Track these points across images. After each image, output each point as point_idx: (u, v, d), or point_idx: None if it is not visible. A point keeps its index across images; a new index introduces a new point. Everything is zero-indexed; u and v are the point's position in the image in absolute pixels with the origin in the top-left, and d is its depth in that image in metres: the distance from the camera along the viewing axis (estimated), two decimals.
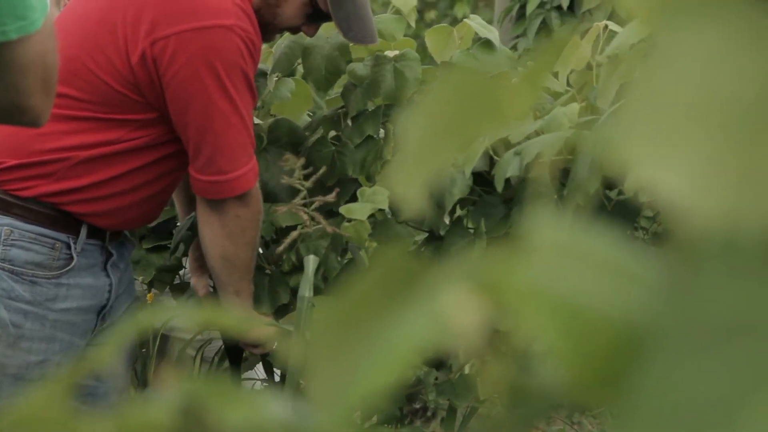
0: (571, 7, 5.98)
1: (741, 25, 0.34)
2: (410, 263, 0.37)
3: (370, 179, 2.53)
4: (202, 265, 2.59)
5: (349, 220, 2.37)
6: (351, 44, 2.57)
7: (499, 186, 2.12)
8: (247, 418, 0.37)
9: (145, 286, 2.82)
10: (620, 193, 2.10)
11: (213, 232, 2.28)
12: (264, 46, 2.49)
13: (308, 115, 2.74)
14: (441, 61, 2.50)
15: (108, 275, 2.30)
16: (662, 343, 0.36)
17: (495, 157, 2.21)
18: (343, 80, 2.60)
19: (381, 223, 2.41)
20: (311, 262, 2.16)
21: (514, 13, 6.21)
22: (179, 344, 2.80)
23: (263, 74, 2.58)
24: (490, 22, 2.69)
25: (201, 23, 2.09)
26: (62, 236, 2.20)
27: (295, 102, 2.64)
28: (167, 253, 2.68)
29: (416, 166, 0.38)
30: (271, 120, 2.62)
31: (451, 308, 0.36)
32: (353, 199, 2.40)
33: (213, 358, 2.77)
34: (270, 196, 2.56)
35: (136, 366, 2.64)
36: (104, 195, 2.20)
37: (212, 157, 2.18)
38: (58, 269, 2.20)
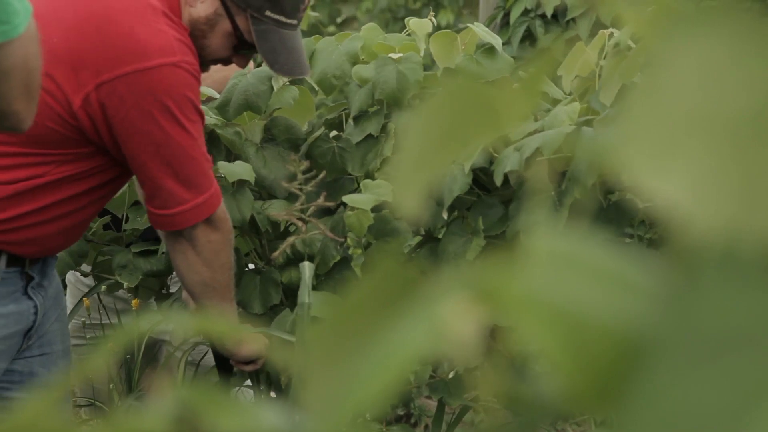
0: (556, 16, 5.98)
1: (740, 35, 0.34)
2: (407, 271, 0.37)
3: (370, 177, 2.53)
4: None
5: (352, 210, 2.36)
6: (360, 49, 2.58)
7: (498, 180, 2.12)
8: (242, 427, 0.36)
9: (130, 294, 2.80)
10: (612, 193, 2.10)
11: (187, 261, 2.27)
12: None
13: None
14: (444, 67, 2.51)
15: (30, 297, 2.25)
16: (661, 353, 0.35)
17: (494, 155, 2.21)
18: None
19: (379, 218, 2.41)
20: (307, 268, 2.16)
21: (498, 21, 6.22)
22: (167, 348, 2.79)
23: (268, 77, 2.57)
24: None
25: (147, 63, 2.06)
26: None
27: (297, 110, 2.64)
28: (154, 257, 2.67)
29: (415, 171, 0.37)
30: (267, 118, 2.62)
31: (449, 316, 0.36)
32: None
33: (198, 362, 2.76)
34: (267, 192, 2.56)
35: (121, 371, 2.62)
36: (26, 224, 2.15)
37: (173, 191, 2.16)
38: None
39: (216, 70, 2.43)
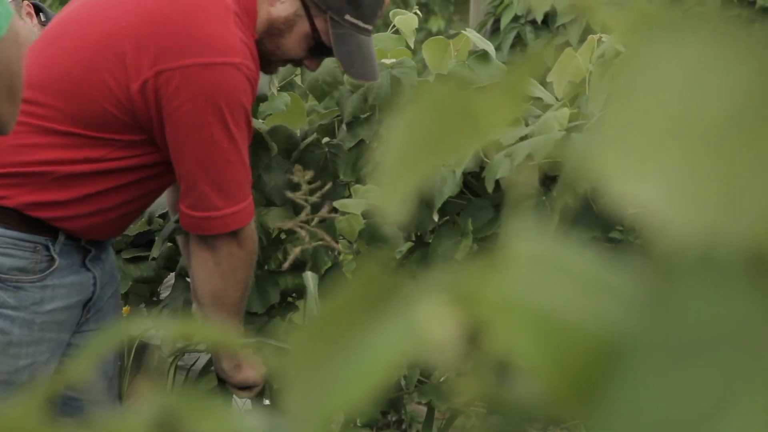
0: (546, 21, 5.99)
1: (718, 40, 0.34)
2: (388, 275, 0.37)
3: (362, 183, 2.54)
4: None
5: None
6: None
7: (490, 186, 2.13)
8: (223, 431, 0.37)
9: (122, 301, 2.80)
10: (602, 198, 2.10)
11: (205, 269, 2.27)
12: None
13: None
14: (436, 73, 2.51)
15: (89, 269, 2.29)
16: (639, 356, 0.36)
17: (485, 159, 2.21)
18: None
19: (369, 224, 2.41)
20: (311, 279, 2.16)
21: (488, 27, 6.23)
22: (157, 354, 2.79)
23: (264, 83, 2.57)
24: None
25: (209, 59, 2.08)
26: (41, 239, 2.19)
27: (289, 117, 2.64)
28: (145, 264, 2.66)
29: (397, 177, 0.38)
30: (268, 126, 2.62)
31: (428, 320, 0.36)
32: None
33: (190, 367, 2.76)
34: (266, 199, 2.57)
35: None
36: (81, 213, 2.19)
37: (206, 194, 2.17)
38: (41, 272, 2.20)
39: None
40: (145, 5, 2.12)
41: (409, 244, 2.54)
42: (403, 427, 2.75)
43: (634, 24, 0.35)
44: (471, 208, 2.29)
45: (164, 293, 2.82)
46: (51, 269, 2.21)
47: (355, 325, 0.37)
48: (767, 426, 0.33)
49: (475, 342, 0.37)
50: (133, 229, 2.63)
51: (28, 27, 2.77)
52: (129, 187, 2.22)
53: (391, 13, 2.71)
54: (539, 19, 5.96)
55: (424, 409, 2.56)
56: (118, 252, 2.67)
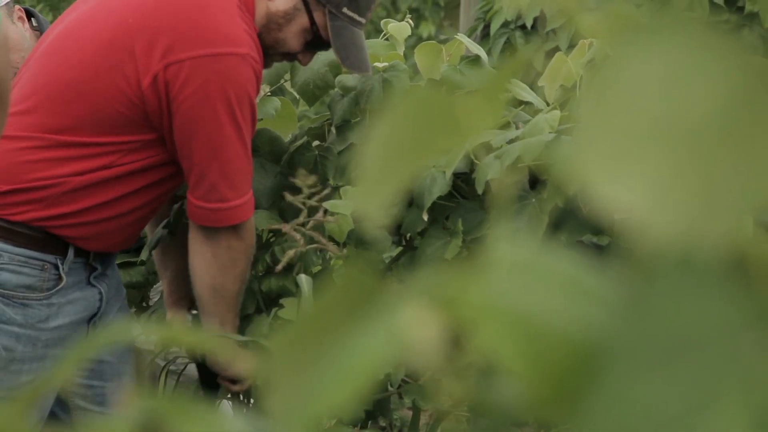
0: (535, 27, 6.00)
1: (698, 44, 0.35)
2: (372, 278, 0.37)
3: (350, 185, 2.54)
4: (179, 299, 2.59)
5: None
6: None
7: (480, 188, 2.13)
8: None
9: None
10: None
11: (204, 261, 2.28)
12: None
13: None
14: (428, 77, 2.52)
15: (94, 285, 2.29)
16: (618, 359, 0.36)
17: (475, 161, 2.21)
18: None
19: (358, 227, 2.41)
20: (305, 282, 2.16)
21: (478, 32, 6.24)
22: (149, 359, 2.78)
23: None
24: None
25: (217, 50, 2.10)
26: (50, 257, 2.19)
27: (279, 121, 2.64)
28: (134, 269, 2.66)
29: (379, 181, 0.38)
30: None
31: (410, 324, 0.36)
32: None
33: (181, 372, 2.75)
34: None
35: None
36: (94, 220, 2.19)
37: (216, 185, 2.18)
38: (48, 290, 2.20)
39: None
40: (151, 3, 2.13)
41: (399, 248, 2.54)
42: None
43: (616, 28, 0.35)
44: (460, 209, 2.29)
45: (154, 298, 2.81)
46: (58, 287, 2.21)
47: (338, 328, 0.37)
48: (745, 426, 0.33)
49: (458, 345, 0.37)
50: None
51: (20, 31, 2.76)
52: (139, 192, 2.22)
53: (383, 21, 2.73)
54: (529, 24, 5.97)
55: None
56: None
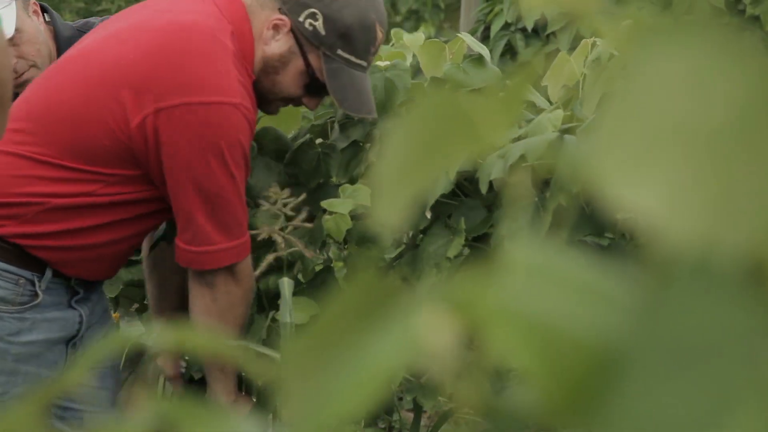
0: (536, 29, 5.99)
1: (716, 48, 0.34)
2: (384, 284, 0.37)
3: (353, 183, 2.53)
4: (163, 310, 2.58)
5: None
6: None
7: (483, 187, 2.13)
8: None
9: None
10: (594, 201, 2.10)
11: (204, 305, 2.28)
12: None
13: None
14: (431, 76, 2.51)
15: (75, 309, 2.28)
16: (636, 364, 0.36)
17: (479, 161, 2.21)
18: None
19: (358, 224, 2.41)
20: (287, 285, 2.16)
21: (478, 34, 6.23)
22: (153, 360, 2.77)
23: None
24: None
25: (210, 98, 2.10)
26: (26, 273, 2.19)
27: (283, 119, 2.64)
28: (135, 267, 2.65)
29: (395, 185, 0.38)
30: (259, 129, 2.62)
31: (425, 329, 0.36)
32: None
33: (184, 374, 2.74)
34: (253, 202, 2.56)
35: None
36: (69, 246, 2.19)
37: (203, 229, 2.18)
38: (21, 304, 2.19)
39: None
40: (146, 45, 2.13)
41: (399, 247, 2.53)
42: None
43: (630, 31, 0.35)
44: (463, 208, 2.29)
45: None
46: (32, 303, 2.19)
47: (351, 333, 0.37)
48: None
49: (472, 350, 0.37)
50: None
51: (35, 25, 2.78)
52: (119, 224, 2.22)
53: (393, 31, 2.73)
54: (530, 26, 5.97)
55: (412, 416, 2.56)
56: None
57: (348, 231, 2.40)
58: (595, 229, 2.09)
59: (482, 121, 0.36)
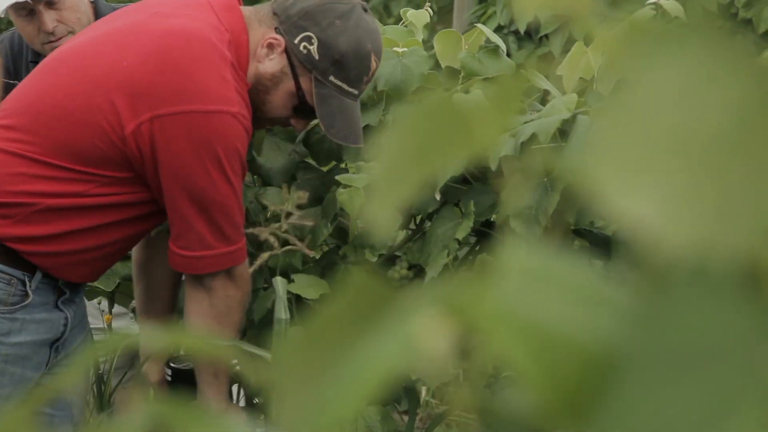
0: (529, 32, 5.97)
1: (712, 54, 0.34)
2: (380, 287, 0.37)
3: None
4: (149, 312, 2.57)
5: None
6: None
7: (493, 165, 2.12)
8: None
9: (105, 304, 2.77)
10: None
11: (201, 310, 2.27)
12: None
13: None
14: (446, 65, 2.51)
15: (61, 310, 2.27)
16: (633, 369, 0.36)
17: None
18: None
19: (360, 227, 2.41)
20: (280, 283, 2.16)
21: None
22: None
23: None
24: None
25: (208, 107, 2.09)
26: (18, 273, 2.18)
27: None
28: (131, 262, 2.65)
29: (389, 188, 0.38)
30: None
31: (421, 332, 0.36)
32: None
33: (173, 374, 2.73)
34: (262, 180, 2.57)
35: (95, 388, 2.59)
36: (61, 250, 2.18)
37: (201, 235, 2.17)
38: (13, 304, 2.18)
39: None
40: (144, 50, 2.11)
41: (405, 232, 2.54)
42: None
43: (625, 36, 0.35)
44: (472, 192, 2.29)
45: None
46: (23, 303, 2.19)
47: (348, 336, 0.37)
48: None
49: (469, 353, 0.37)
50: None
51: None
52: (111, 227, 2.20)
53: (402, 10, 2.72)
54: (522, 29, 5.95)
55: (404, 418, 2.56)
56: None
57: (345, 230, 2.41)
58: (600, 240, 2.09)
59: (475, 124, 0.36)
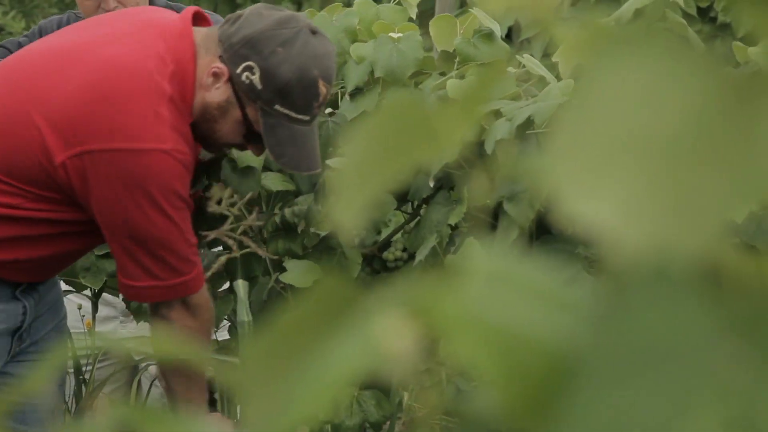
0: (510, 36, 5.96)
1: (671, 56, 0.34)
2: (345, 289, 0.37)
3: None
4: None
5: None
6: (357, 27, 2.57)
7: (489, 148, 2.12)
8: None
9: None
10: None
11: None
12: None
13: None
14: (442, 50, 2.51)
15: (19, 300, 2.27)
16: (593, 369, 0.36)
17: (485, 127, 2.21)
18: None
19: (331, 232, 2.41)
20: (241, 286, 2.16)
21: None
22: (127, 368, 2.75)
23: None
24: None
25: (139, 145, 2.06)
26: None
27: None
28: None
29: (354, 193, 0.38)
30: None
31: (385, 334, 0.36)
32: None
33: (153, 380, 2.72)
34: (266, 166, 2.57)
35: (72, 390, 2.59)
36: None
37: (146, 266, 2.15)
38: None
39: None
40: (83, 82, 2.08)
41: (398, 219, 2.54)
42: None
43: (590, 39, 0.35)
44: (467, 179, 2.29)
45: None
46: None
47: (313, 337, 0.37)
48: None
49: (432, 355, 0.37)
50: None
51: None
52: (46, 240, 2.19)
53: None
54: (503, 33, 5.94)
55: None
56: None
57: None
58: (564, 239, 2.09)
59: (442, 125, 0.37)
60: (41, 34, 2.97)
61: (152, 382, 2.65)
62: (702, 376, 0.35)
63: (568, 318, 0.36)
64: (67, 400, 2.54)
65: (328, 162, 2.35)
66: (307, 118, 2.21)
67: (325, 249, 2.51)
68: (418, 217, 2.43)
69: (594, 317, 0.36)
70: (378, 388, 2.32)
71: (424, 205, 2.42)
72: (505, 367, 0.36)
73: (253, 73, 2.16)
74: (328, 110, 2.63)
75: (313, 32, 2.20)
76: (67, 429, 0.36)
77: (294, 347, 0.37)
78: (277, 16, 2.19)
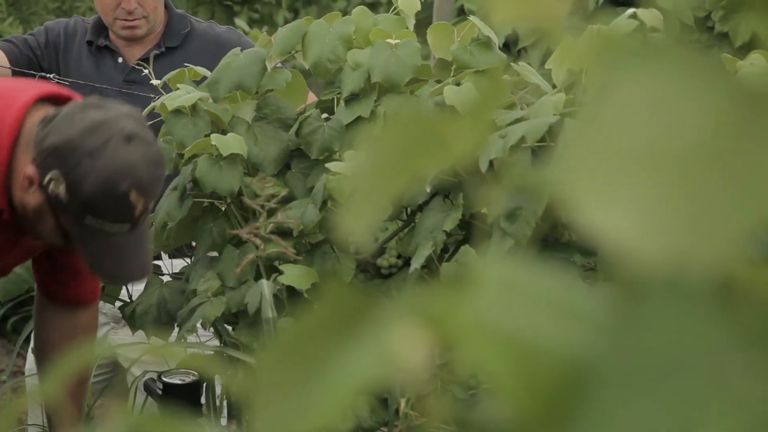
0: (507, 44, 5.96)
1: (685, 68, 0.34)
2: (358, 298, 0.37)
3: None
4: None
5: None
6: (353, 36, 2.57)
7: (483, 166, 2.13)
8: None
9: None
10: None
11: (68, 338, 2.29)
12: (263, 33, 2.48)
13: None
14: (439, 57, 2.51)
15: None
16: (608, 380, 0.36)
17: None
18: None
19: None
20: (266, 286, 2.16)
21: None
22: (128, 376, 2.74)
23: (261, 59, 2.57)
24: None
25: None
26: None
27: (289, 94, 2.63)
28: None
29: (364, 202, 0.38)
30: (259, 98, 2.62)
31: (398, 343, 0.36)
32: None
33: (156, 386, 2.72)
34: (256, 170, 2.56)
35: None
36: None
37: None
38: None
39: None
40: None
41: (393, 225, 2.54)
42: None
43: (599, 50, 0.35)
44: (462, 186, 2.29)
45: (135, 295, 2.74)
46: None
47: (325, 346, 0.37)
48: None
49: (445, 364, 0.37)
50: None
51: None
52: None
53: None
54: (500, 42, 5.94)
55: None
56: None
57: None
58: (577, 249, 2.09)
59: (451, 136, 0.37)
60: (47, 34, 2.99)
61: (135, 382, 2.64)
62: (716, 388, 0.35)
63: (582, 328, 0.36)
64: None
65: (328, 166, 2.36)
66: (125, 228, 2.05)
67: (318, 254, 2.51)
68: (413, 224, 2.43)
69: (609, 327, 0.36)
70: (374, 395, 2.32)
71: (418, 213, 2.42)
72: (519, 377, 0.36)
73: (59, 185, 2.01)
74: (324, 116, 2.63)
75: (129, 138, 2.01)
76: None
77: (307, 355, 0.37)
78: (89, 122, 2.01)
